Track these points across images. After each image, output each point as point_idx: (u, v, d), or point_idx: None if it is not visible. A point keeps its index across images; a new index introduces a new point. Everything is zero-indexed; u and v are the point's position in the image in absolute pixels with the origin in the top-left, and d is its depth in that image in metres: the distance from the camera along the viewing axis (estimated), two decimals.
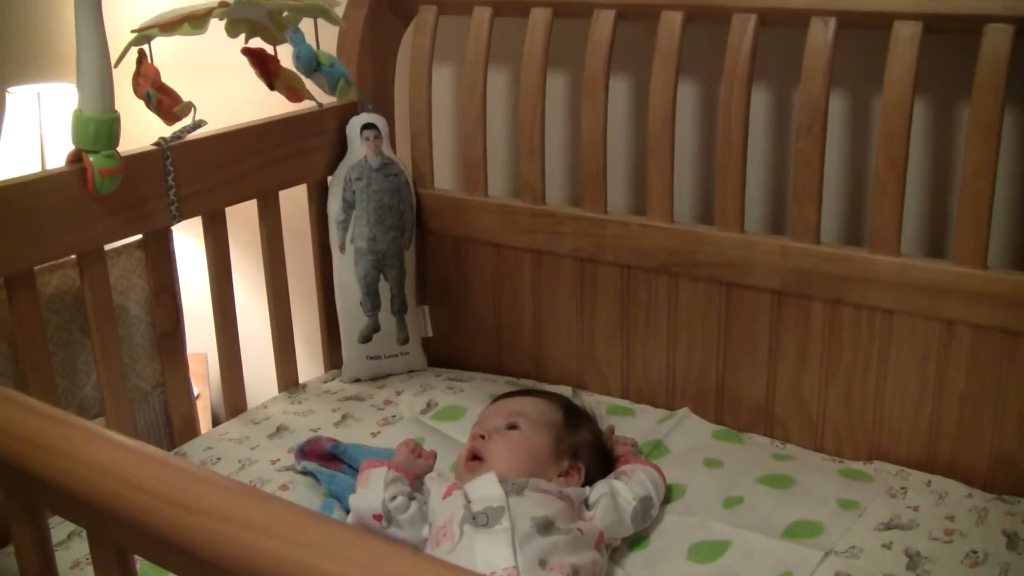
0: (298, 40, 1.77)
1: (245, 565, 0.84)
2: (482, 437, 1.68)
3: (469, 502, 1.52)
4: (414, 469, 1.67)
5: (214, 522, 0.86)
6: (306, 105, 2.06)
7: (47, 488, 1.01)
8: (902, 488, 1.74)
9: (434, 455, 1.73)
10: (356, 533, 0.83)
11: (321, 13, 1.82)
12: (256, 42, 1.91)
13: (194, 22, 1.65)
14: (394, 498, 1.56)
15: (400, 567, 0.78)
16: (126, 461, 0.94)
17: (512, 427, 1.69)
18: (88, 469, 0.95)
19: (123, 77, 1.69)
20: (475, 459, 1.66)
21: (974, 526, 1.62)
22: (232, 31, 1.78)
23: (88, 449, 0.96)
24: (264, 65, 1.91)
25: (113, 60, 1.66)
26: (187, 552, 0.88)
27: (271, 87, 1.92)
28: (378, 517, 1.56)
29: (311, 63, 1.77)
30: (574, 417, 1.78)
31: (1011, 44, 1.62)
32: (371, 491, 1.58)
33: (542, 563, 1.42)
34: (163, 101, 1.72)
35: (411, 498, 1.58)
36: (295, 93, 1.96)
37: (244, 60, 1.91)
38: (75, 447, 0.97)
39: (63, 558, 1.59)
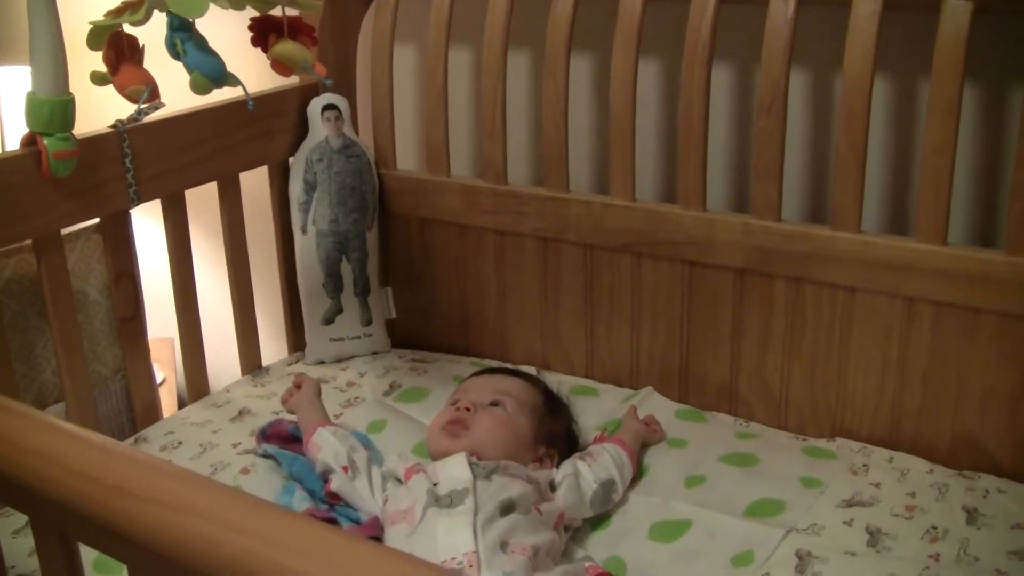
0: (167, 24, 1.69)
1: (183, 551, 0.83)
2: (467, 409, 1.67)
3: (435, 484, 1.52)
4: (301, 402, 1.82)
5: (151, 508, 0.85)
6: (290, 81, 2.05)
7: None
8: (864, 465, 1.74)
9: (308, 383, 1.87)
10: (295, 518, 0.82)
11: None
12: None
13: (133, 9, 1.62)
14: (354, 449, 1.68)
15: (339, 552, 0.77)
16: (64, 446, 0.93)
17: (496, 404, 1.69)
18: (26, 455, 0.94)
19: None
20: (458, 426, 1.65)
21: (935, 502, 1.63)
22: (237, 4, 1.71)
23: (27, 435, 0.95)
24: (264, 33, 1.83)
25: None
26: (126, 538, 0.87)
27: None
28: (345, 468, 1.63)
29: (171, 50, 1.70)
30: (554, 404, 1.79)
31: (970, 21, 1.61)
32: (331, 449, 1.68)
33: (503, 545, 1.42)
34: (115, 82, 1.70)
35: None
36: (283, 68, 1.88)
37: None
38: (14, 433, 0.96)
39: (22, 544, 1.58)
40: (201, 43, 1.66)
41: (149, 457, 0.92)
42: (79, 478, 0.90)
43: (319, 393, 1.85)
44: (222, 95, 1.86)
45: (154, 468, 0.89)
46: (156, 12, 1.63)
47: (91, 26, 1.66)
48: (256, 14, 1.77)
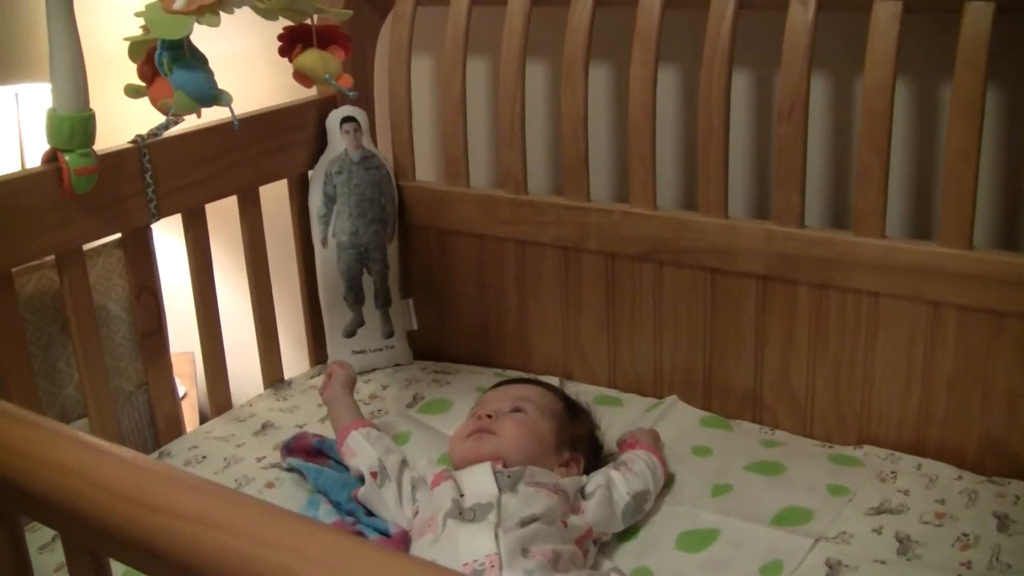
0: (159, 42, 1.67)
1: (215, 566, 0.82)
2: (489, 417, 1.67)
3: (462, 495, 1.51)
4: (330, 399, 1.81)
5: (183, 523, 0.84)
6: (309, 94, 2.05)
7: (17, 492, 0.99)
8: (892, 472, 1.73)
9: (338, 374, 1.84)
10: (328, 532, 0.82)
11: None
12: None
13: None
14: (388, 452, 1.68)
15: (372, 566, 0.77)
16: (93, 462, 0.92)
17: (517, 410, 1.69)
18: (55, 471, 0.93)
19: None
20: (483, 433, 1.65)
21: (964, 509, 1.61)
22: (269, 15, 1.69)
23: (54, 451, 0.94)
24: (293, 44, 1.81)
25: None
26: (157, 554, 0.86)
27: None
28: (374, 474, 1.63)
29: (160, 69, 1.68)
30: (574, 408, 1.79)
31: (991, 22, 1.60)
32: (364, 454, 1.68)
33: (524, 551, 1.41)
34: (149, 94, 1.69)
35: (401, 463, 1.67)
36: (304, 79, 1.81)
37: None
38: (42, 449, 0.95)
39: (48, 560, 1.58)
40: (190, 62, 1.62)
41: (178, 471, 0.92)
42: (109, 494, 0.89)
43: (352, 383, 1.85)
44: (240, 109, 1.85)
45: (184, 483, 0.88)
46: (196, 24, 1.61)
47: (128, 42, 1.65)
48: (288, 23, 1.76)
